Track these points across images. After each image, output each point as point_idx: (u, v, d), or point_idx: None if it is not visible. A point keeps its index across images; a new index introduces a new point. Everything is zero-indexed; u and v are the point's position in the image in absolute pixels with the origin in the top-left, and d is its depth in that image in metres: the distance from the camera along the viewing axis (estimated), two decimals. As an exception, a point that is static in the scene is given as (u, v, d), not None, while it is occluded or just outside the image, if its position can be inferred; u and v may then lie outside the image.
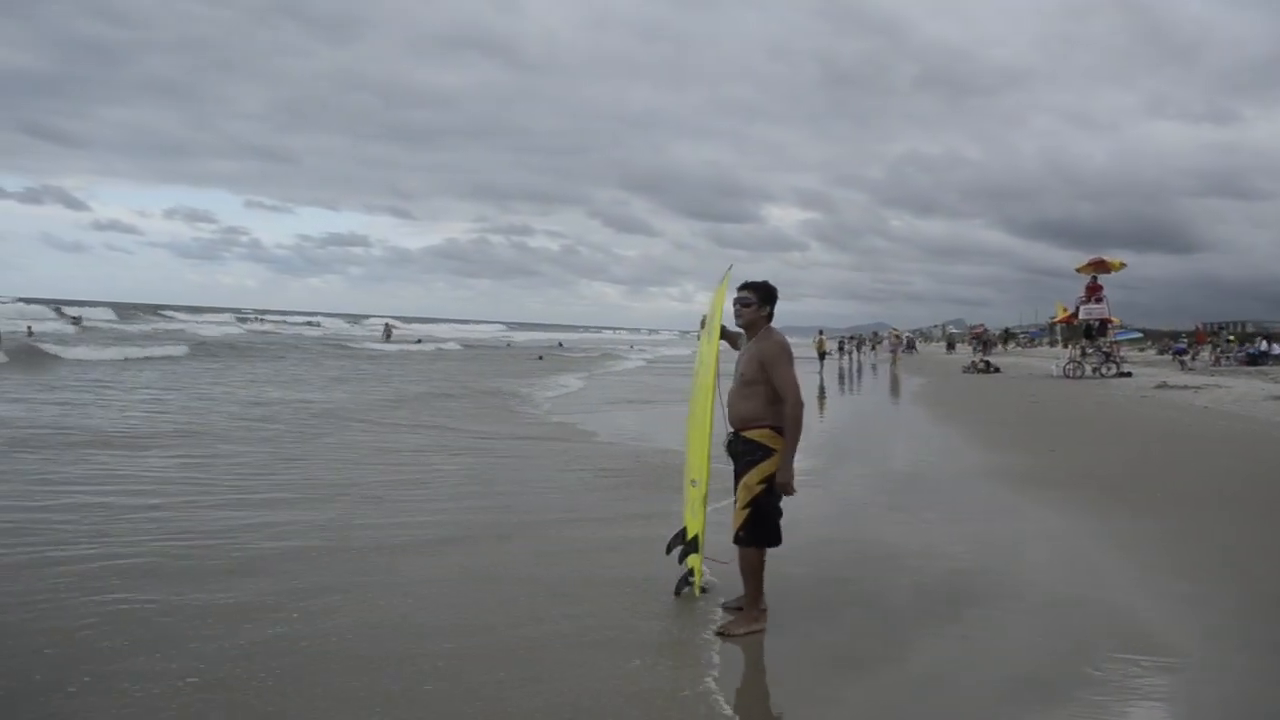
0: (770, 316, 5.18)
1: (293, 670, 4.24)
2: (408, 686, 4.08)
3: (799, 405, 4.88)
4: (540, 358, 42.68)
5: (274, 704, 3.88)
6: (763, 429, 4.97)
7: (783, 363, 4.93)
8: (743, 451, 5.01)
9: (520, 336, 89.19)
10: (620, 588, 5.62)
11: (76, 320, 55.64)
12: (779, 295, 5.20)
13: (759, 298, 5.14)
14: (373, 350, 42.71)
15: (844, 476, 10.26)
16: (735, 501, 5.04)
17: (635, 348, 64.98)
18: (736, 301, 5.20)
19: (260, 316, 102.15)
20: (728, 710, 3.98)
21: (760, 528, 4.95)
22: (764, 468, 4.92)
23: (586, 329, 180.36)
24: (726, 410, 5.13)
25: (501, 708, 3.90)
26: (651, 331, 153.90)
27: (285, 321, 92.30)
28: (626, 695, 4.05)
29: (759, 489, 4.92)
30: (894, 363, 42.43)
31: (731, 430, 5.09)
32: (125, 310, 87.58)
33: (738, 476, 5.05)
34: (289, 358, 33.95)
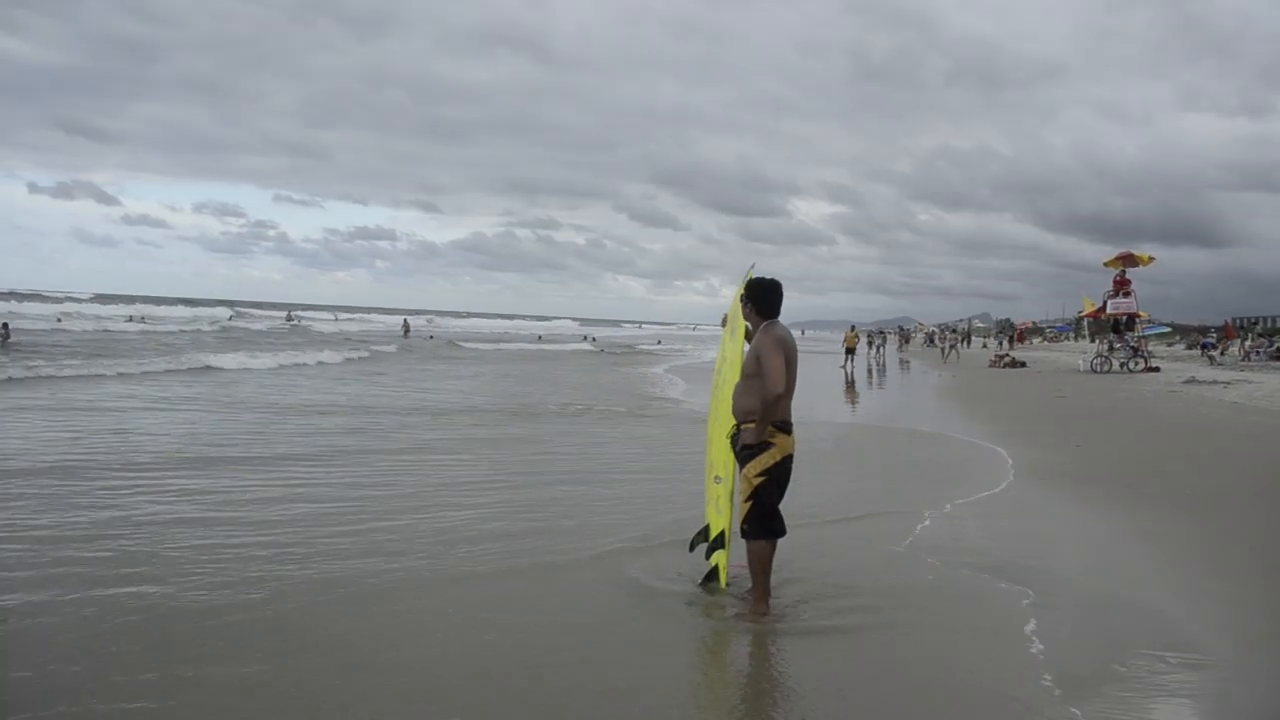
0: (766, 313, 5.28)
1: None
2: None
3: (775, 392, 4.93)
4: (602, 351, 45.90)
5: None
6: None
7: (770, 353, 5.01)
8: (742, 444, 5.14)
9: (539, 328, 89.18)
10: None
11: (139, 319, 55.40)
12: (780, 290, 5.30)
13: (747, 295, 5.33)
14: (483, 350, 42.99)
15: (869, 471, 10.30)
16: (738, 494, 5.17)
17: (663, 341, 65.13)
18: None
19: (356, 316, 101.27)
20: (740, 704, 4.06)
21: (763, 519, 5.05)
22: (762, 460, 5.03)
23: (628, 323, 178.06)
24: (732, 405, 5.25)
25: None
26: (694, 326, 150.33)
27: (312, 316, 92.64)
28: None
29: (759, 481, 5.03)
30: (951, 358, 42.21)
31: (735, 424, 5.22)
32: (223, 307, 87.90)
33: (739, 469, 5.19)
34: (425, 356, 35.20)
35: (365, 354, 32.47)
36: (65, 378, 18.46)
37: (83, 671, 4.12)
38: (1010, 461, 10.92)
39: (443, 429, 13.17)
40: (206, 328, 50.06)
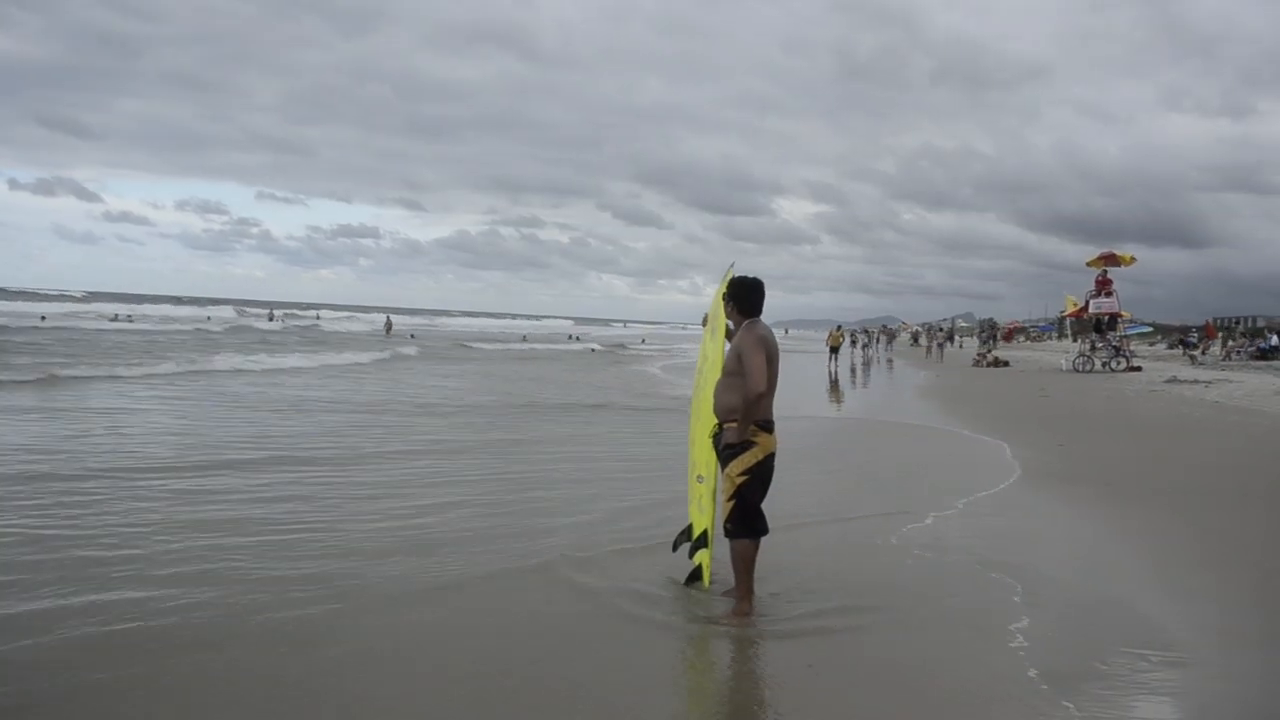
0: (748, 311, 5.26)
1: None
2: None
3: (757, 390, 4.92)
4: (593, 349, 46.89)
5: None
6: None
7: (751, 351, 4.99)
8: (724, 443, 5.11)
9: (530, 327, 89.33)
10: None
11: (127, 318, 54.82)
12: (762, 288, 5.26)
13: (729, 293, 5.31)
14: (490, 351, 42.61)
15: (855, 466, 10.32)
16: (721, 493, 5.14)
17: (648, 340, 65.40)
18: None
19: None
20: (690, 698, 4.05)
21: (746, 518, 5.03)
22: (745, 459, 5.00)
23: (615, 322, 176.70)
24: (713, 403, 5.23)
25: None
26: (684, 325, 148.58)
27: (299, 313, 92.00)
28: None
29: (741, 480, 5.01)
30: (935, 356, 42.50)
31: (717, 423, 5.20)
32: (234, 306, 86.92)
33: (721, 468, 5.16)
34: (440, 358, 35.00)
35: (388, 354, 32.77)
36: (71, 377, 18.11)
37: (97, 672, 4.11)
38: (1014, 460, 10.93)
39: (474, 429, 13.19)
40: (215, 328, 49.32)
